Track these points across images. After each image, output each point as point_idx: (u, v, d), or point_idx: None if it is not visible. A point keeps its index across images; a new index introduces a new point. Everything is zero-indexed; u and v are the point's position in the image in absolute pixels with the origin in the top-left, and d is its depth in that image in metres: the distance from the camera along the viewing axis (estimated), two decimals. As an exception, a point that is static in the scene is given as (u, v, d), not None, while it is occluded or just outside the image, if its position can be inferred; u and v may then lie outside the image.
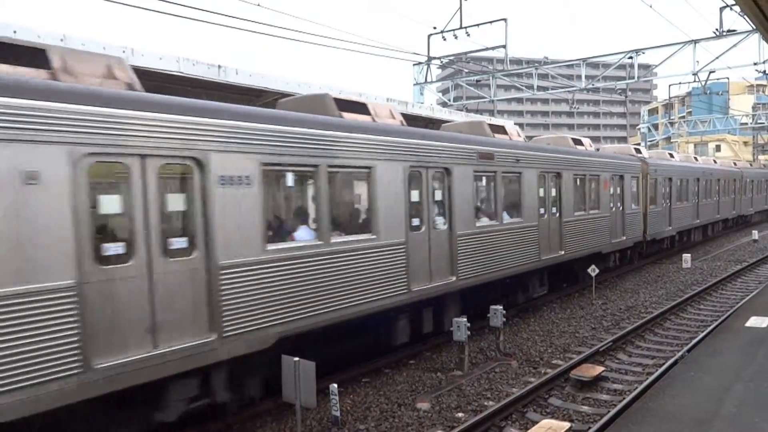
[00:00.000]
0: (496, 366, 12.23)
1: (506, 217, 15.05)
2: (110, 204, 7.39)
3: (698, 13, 28.86)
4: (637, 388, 10.52)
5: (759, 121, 58.13)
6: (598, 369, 11.43)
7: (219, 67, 12.99)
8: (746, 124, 60.87)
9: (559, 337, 14.35)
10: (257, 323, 8.68)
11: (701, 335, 13.55)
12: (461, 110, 32.42)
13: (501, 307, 12.84)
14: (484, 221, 14.28)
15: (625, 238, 22.19)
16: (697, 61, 25.89)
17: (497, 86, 31.25)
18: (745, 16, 15.82)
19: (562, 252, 17.58)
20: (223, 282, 8.22)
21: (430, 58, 28.08)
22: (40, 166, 6.51)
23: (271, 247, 9.03)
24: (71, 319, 6.72)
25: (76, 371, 6.72)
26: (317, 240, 9.84)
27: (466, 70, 34.11)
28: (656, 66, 29.84)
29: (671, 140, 74.60)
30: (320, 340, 10.04)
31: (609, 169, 20.90)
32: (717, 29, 24.16)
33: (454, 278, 12.85)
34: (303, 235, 9.86)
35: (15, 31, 11.04)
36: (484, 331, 14.03)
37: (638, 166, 23.81)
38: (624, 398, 10.10)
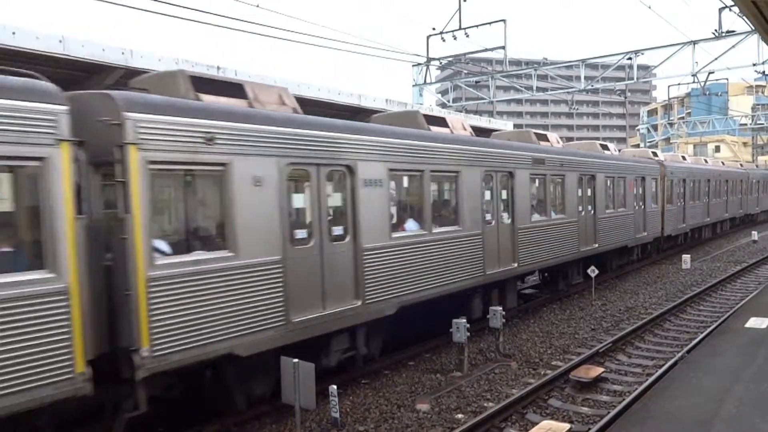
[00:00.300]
0: (496, 367, 12.22)
1: (553, 214, 17.38)
2: (298, 200, 9.84)
3: (697, 14, 28.85)
4: (636, 389, 10.51)
5: (758, 122, 58.17)
6: (598, 370, 11.42)
7: (218, 68, 12.99)
8: (745, 124, 60.94)
9: (559, 338, 14.34)
10: (387, 294, 11.10)
11: (701, 336, 13.55)
12: (460, 111, 32.43)
13: (500, 308, 12.85)
14: (537, 217, 16.56)
15: (646, 233, 24.68)
16: (696, 62, 25.88)
17: (496, 87, 31.26)
18: (744, 17, 15.82)
19: (597, 245, 20.20)
20: (366, 261, 10.65)
21: (429, 59, 28.05)
22: (263, 172, 8.85)
23: (395, 234, 11.48)
24: (279, 285, 9.08)
25: (282, 323, 9.11)
26: (423, 230, 12.18)
27: (466, 71, 34.12)
28: (655, 67, 29.85)
29: (670, 141, 74.64)
30: (419, 311, 12.37)
31: (634, 172, 23.45)
32: (716, 30, 24.13)
33: (516, 264, 15.33)
34: (412, 226, 12.19)
35: (14, 33, 11.04)
36: (484, 332, 14.02)
37: (657, 168, 26.25)
38: (624, 399, 10.10)
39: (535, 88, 30.69)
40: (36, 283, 6.50)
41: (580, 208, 18.99)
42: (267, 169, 8.92)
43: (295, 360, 8.23)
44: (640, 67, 28.20)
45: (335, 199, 10.41)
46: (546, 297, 18.58)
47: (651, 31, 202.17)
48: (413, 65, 29.01)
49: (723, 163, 41.81)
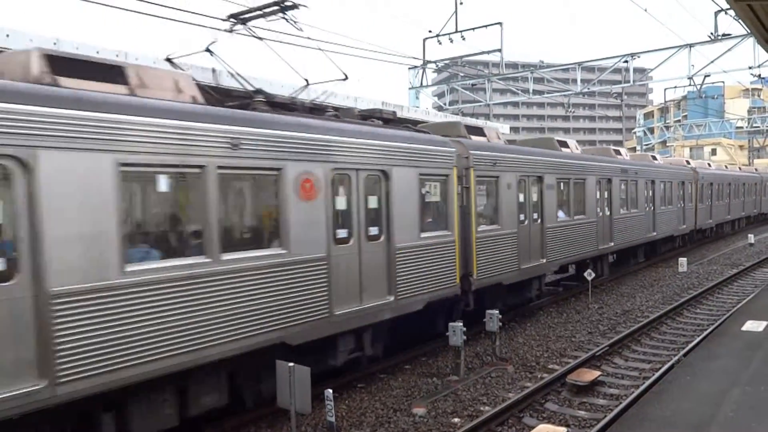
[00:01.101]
0: (492, 371, 12.18)
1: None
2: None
3: (693, 17, 28.91)
4: (633, 392, 10.48)
5: (754, 125, 58.28)
6: (595, 373, 11.39)
7: (213, 71, 12.93)
8: (741, 127, 60.99)
9: (556, 342, 14.31)
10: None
11: (697, 339, 13.52)
12: (457, 114, 32.43)
13: (497, 312, 12.82)
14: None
15: (685, 226, 30.75)
16: (693, 65, 25.95)
17: (493, 90, 31.27)
18: (740, 21, 15.83)
19: (655, 233, 26.02)
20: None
21: (425, 62, 28.06)
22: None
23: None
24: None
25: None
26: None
27: (462, 74, 34.11)
28: (652, 70, 29.95)
29: (667, 144, 74.77)
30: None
31: (677, 177, 29.33)
32: (712, 33, 24.20)
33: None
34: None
35: (8, 35, 10.99)
36: (480, 335, 13.98)
37: (692, 174, 31.91)
38: (620, 403, 10.07)
39: (531, 91, 30.73)
40: (445, 237, 12.80)
41: (646, 206, 25.04)
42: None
43: (291, 364, 8.19)
44: (636, 69, 28.26)
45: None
46: (541, 301, 18.55)
47: (647, 34, 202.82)
48: (409, 68, 29.03)
49: (740, 168, 49.53)
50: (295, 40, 12.90)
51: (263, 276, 8.98)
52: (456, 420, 9.75)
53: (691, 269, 24.72)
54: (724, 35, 24.14)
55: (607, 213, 21.41)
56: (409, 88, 29.55)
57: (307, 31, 12.06)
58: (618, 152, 25.61)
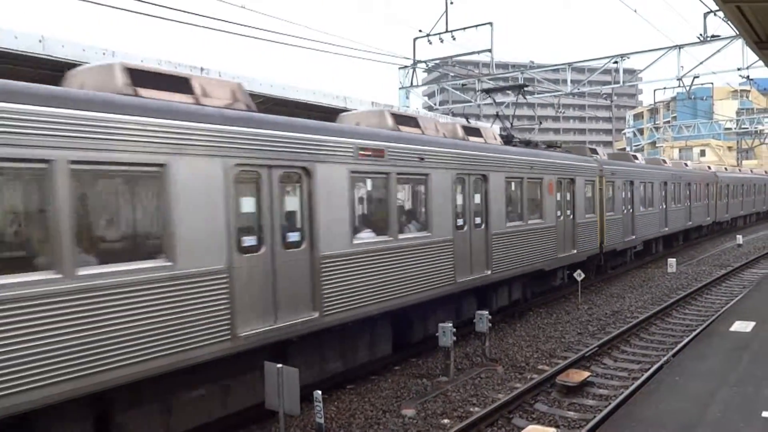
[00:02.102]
0: (482, 371, 12.17)
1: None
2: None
3: (683, 18, 28.95)
4: (623, 393, 10.49)
5: (743, 126, 58.57)
6: (584, 374, 11.39)
7: (201, 69, 12.88)
8: (730, 129, 61.29)
9: (545, 342, 14.31)
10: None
11: (686, 340, 13.56)
12: (447, 114, 32.41)
13: (487, 312, 12.80)
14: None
15: (709, 219, 36.19)
16: (682, 66, 26.01)
17: (483, 90, 31.25)
18: (729, 22, 15.87)
19: (690, 222, 33.00)
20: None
21: (415, 62, 28.05)
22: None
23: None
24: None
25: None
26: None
27: (452, 74, 34.12)
28: (641, 71, 30.02)
29: (656, 145, 75.03)
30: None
31: (706, 180, 35.40)
32: (701, 34, 24.28)
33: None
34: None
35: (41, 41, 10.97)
36: (470, 336, 13.96)
37: (713, 177, 38.59)
38: (610, 403, 10.07)
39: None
40: (594, 218, 20.16)
41: (686, 202, 32.35)
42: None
43: (279, 365, 8.13)
44: (626, 71, 28.31)
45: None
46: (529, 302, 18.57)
47: (637, 36, 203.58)
48: (400, 68, 29.01)
49: (752, 170, 56.38)
50: (288, 40, 12.83)
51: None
52: (446, 421, 9.72)
53: (681, 270, 24.81)
54: (713, 37, 24.22)
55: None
56: (400, 88, 29.52)
57: (302, 32, 12.04)
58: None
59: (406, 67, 28.78)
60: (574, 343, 14.31)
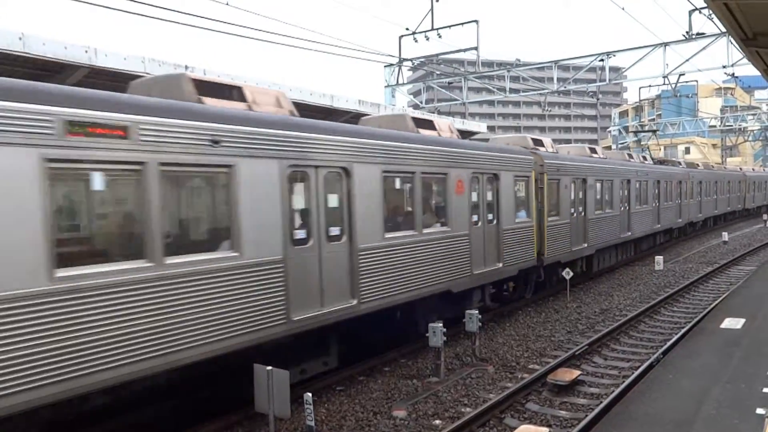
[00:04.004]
0: (473, 372, 12.07)
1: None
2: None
3: (669, 16, 29.02)
4: (614, 391, 10.42)
5: (727, 124, 59.01)
6: (575, 373, 11.32)
7: (186, 67, 12.68)
8: (715, 126, 61.75)
9: (535, 342, 14.24)
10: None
11: (675, 337, 13.54)
12: (433, 112, 32.36)
13: (477, 312, 12.70)
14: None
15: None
16: (667, 64, 26.12)
17: (469, 89, 31.22)
18: (716, 20, 15.89)
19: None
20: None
21: (401, 60, 27.94)
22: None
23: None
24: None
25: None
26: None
27: (438, 72, 34.05)
28: (627, 69, 30.08)
29: (641, 142, 75.37)
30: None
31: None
32: (687, 32, 24.35)
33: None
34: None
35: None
36: (460, 336, 13.86)
37: (742, 177, 46.69)
38: (601, 402, 10.00)
39: (507, 89, 30.73)
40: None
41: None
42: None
43: (269, 367, 8.00)
44: (611, 68, 28.37)
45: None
46: (521, 301, 18.48)
47: (623, 33, 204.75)
48: (385, 66, 28.89)
49: (763, 169, 66.09)
50: (273, 38, 12.65)
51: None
52: (437, 422, 9.61)
53: (668, 267, 24.87)
54: (698, 34, 24.31)
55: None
56: (385, 86, 29.39)
57: (286, 29, 11.99)
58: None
59: (391, 65, 28.68)
60: (564, 341, 14.24)
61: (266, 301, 9.01)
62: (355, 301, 10.70)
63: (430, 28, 25.67)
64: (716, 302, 16.84)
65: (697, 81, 43.72)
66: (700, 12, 23.47)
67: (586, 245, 21.07)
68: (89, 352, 6.90)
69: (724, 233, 34.82)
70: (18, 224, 6.30)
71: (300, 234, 9.77)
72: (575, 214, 20.33)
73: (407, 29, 26.19)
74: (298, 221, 9.79)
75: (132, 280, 7.32)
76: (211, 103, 9.09)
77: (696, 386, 9.10)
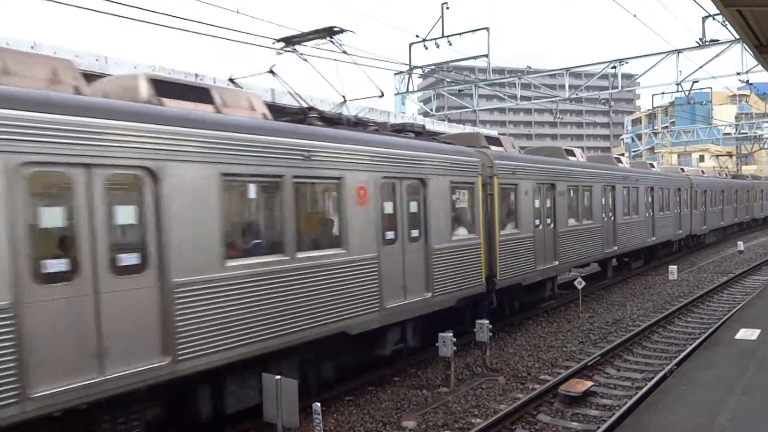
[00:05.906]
0: (483, 382, 11.96)
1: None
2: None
3: (682, 22, 28.82)
4: (626, 403, 10.29)
5: (742, 131, 58.54)
6: (587, 384, 11.20)
7: (196, 75, 12.71)
8: (729, 134, 61.29)
9: (547, 352, 14.10)
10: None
11: (689, 348, 13.36)
12: (443, 120, 32.29)
13: (487, 322, 12.60)
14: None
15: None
16: (680, 71, 25.97)
17: (479, 96, 31.12)
18: (729, 26, 15.76)
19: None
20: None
21: (411, 67, 27.90)
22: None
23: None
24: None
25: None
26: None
27: (449, 80, 34.01)
28: (639, 76, 29.91)
29: (655, 150, 75.03)
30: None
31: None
32: (700, 39, 24.20)
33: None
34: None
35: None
36: (470, 346, 13.75)
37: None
38: (613, 414, 9.87)
39: (519, 97, 30.61)
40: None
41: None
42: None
43: (278, 377, 7.95)
44: (624, 75, 28.24)
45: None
46: (530, 311, 18.33)
47: (636, 40, 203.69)
48: (395, 73, 28.87)
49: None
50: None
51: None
52: (447, 433, 9.51)
53: (682, 277, 24.63)
54: (712, 41, 24.15)
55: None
56: (395, 94, 29.38)
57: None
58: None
59: (402, 72, 28.66)
60: (576, 352, 14.10)
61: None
62: None
63: (440, 35, 25.65)
64: (731, 313, 16.63)
65: (711, 88, 43.43)
66: (713, 18, 23.31)
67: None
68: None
69: (739, 242, 34.44)
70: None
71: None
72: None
73: (417, 36, 26.17)
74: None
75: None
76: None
77: (710, 398, 8.94)
